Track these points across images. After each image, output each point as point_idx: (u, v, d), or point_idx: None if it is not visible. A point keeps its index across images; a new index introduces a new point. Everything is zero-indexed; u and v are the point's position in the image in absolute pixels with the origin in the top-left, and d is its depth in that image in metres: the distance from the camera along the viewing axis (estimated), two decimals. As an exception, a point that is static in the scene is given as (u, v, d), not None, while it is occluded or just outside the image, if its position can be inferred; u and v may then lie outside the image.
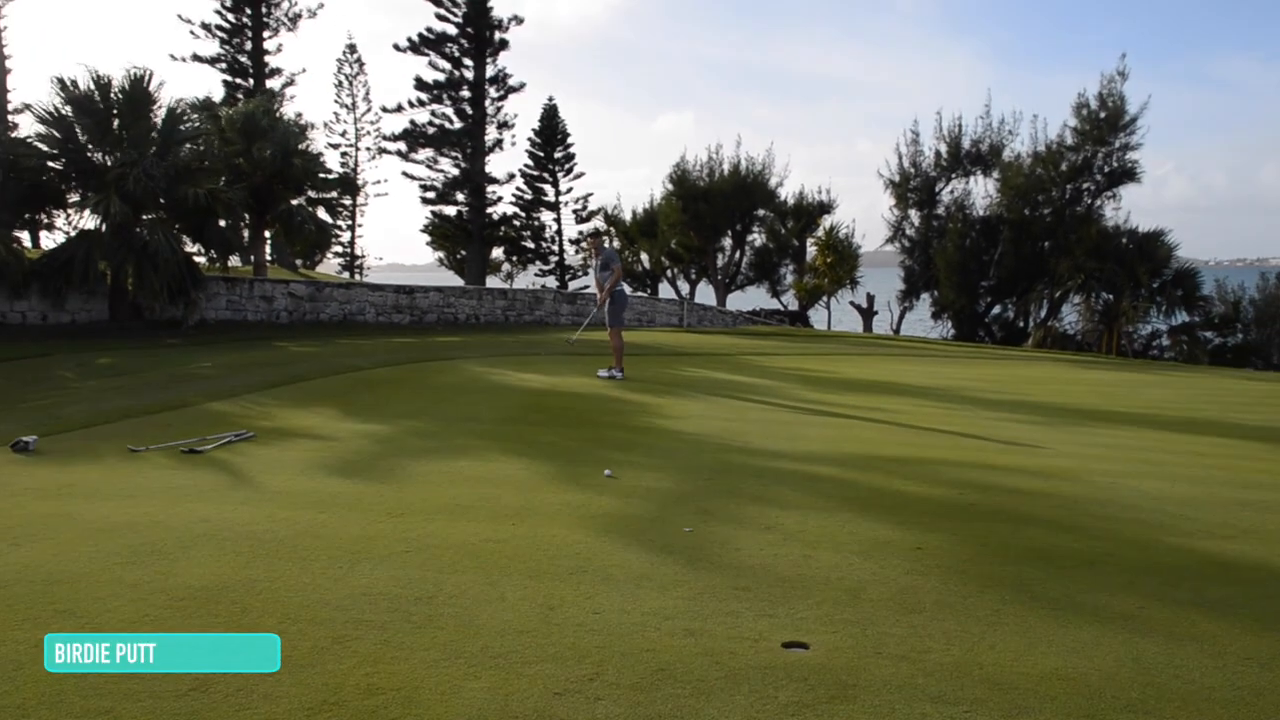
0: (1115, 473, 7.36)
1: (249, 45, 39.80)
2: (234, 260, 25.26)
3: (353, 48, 53.19)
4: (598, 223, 44.93)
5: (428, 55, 39.24)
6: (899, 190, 37.99)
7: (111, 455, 7.31)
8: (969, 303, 36.42)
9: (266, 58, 40.19)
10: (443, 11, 38.69)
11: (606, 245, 14.44)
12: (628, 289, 14.23)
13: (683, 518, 5.56)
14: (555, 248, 46.19)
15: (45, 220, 22.05)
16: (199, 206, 19.85)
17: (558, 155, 45.86)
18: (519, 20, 39.30)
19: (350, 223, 51.91)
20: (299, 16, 40.32)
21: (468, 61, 39.39)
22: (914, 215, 38.14)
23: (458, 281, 40.37)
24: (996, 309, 37.31)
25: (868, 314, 38.97)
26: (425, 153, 40.48)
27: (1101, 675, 3.48)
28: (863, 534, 5.31)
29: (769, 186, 40.54)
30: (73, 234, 20.49)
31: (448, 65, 39.45)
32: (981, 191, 44.72)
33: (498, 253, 45.21)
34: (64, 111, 19.56)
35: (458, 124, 39.86)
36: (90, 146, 20.00)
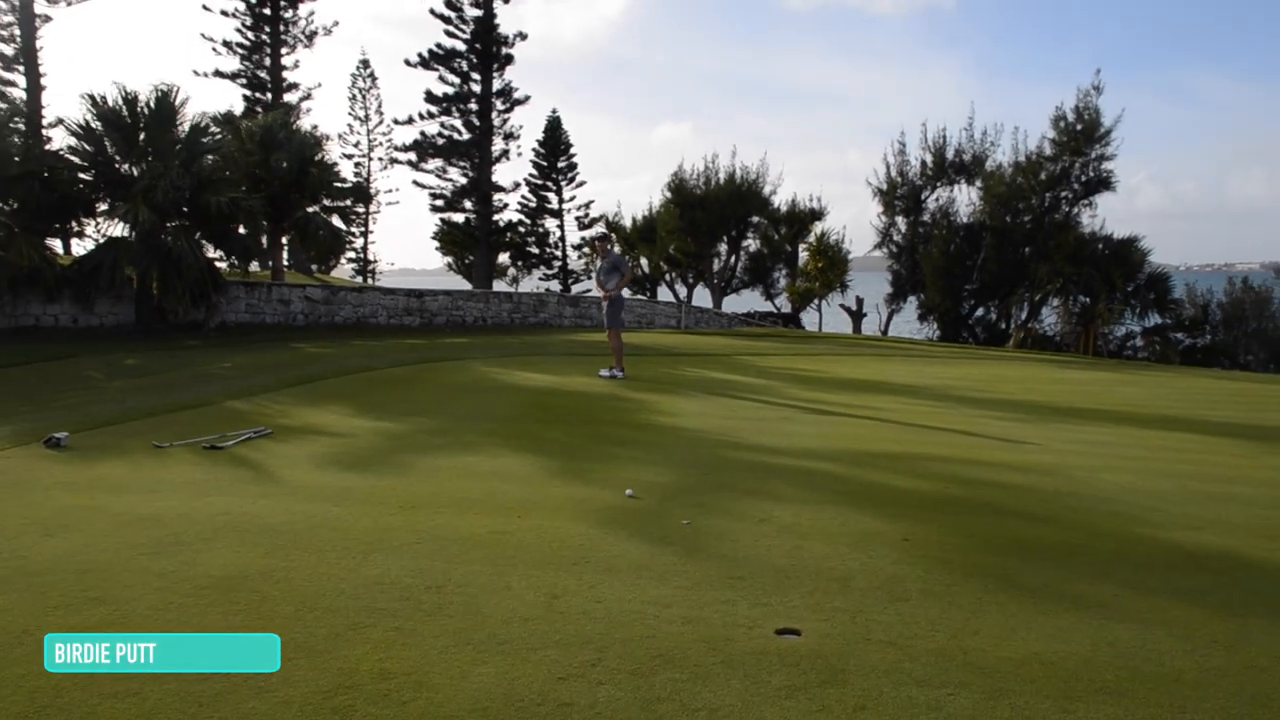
0: (1092, 467, 7.37)
1: (268, 61, 39.80)
2: (253, 265, 25.23)
3: (366, 63, 53.07)
4: (600, 229, 44.91)
5: (437, 70, 39.24)
6: (887, 198, 37.99)
7: (137, 451, 7.31)
8: (953, 305, 36.42)
9: (284, 73, 40.22)
10: (451, 29, 38.69)
11: (614, 250, 14.41)
12: (627, 292, 14.20)
13: (680, 511, 5.56)
14: (559, 253, 46.23)
15: (76, 228, 22.06)
16: (220, 214, 19.84)
17: (561, 165, 45.90)
18: (524, 36, 39.29)
19: (363, 229, 51.96)
20: (315, 34, 40.38)
21: (475, 76, 39.36)
22: (901, 222, 38.13)
23: (465, 285, 40.31)
24: (980, 311, 37.29)
25: (857, 316, 38.95)
26: (435, 163, 40.49)
27: (1078, 659, 3.48)
28: (853, 526, 5.31)
29: (763, 194, 40.53)
30: (101, 241, 20.50)
31: (456, 79, 39.44)
32: (965, 199, 44.70)
33: (504, 258, 45.17)
34: (94, 126, 19.56)
35: (466, 135, 39.83)
36: (118, 158, 20.00)
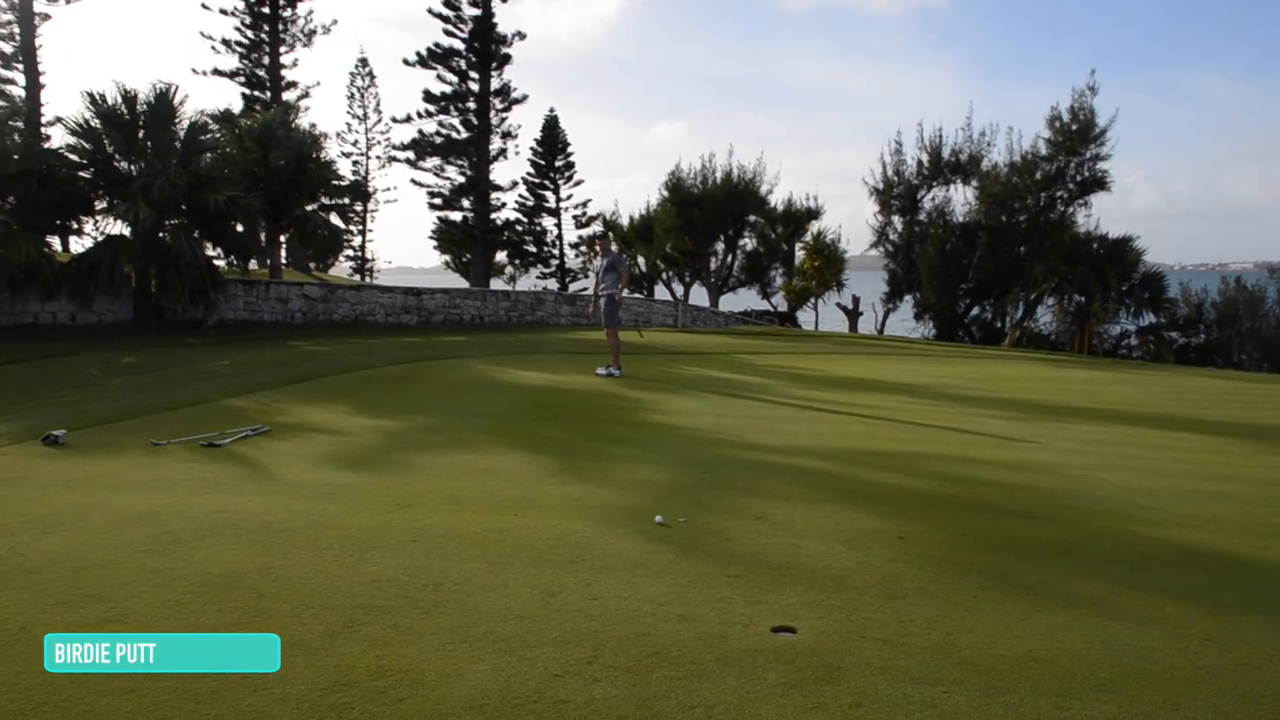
0: (1087, 466, 7.38)
1: (266, 60, 39.73)
2: (251, 264, 25.17)
3: (364, 62, 52.79)
4: (597, 228, 44.86)
5: (436, 69, 39.17)
6: (883, 197, 37.96)
7: (135, 449, 7.30)
8: (949, 304, 36.41)
9: (283, 71, 40.15)
10: (450, 28, 38.61)
11: (613, 248, 14.43)
12: (626, 292, 14.21)
13: (677, 509, 5.55)
14: (556, 251, 46.16)
15: (75, 226, 21.99)
16: (219, 212, 19.77)
17: (558, 164, 45.82)
18: (522, 36, 39.21)
19: (361, 227, 51.76)
20: (314, 32, 40.32)
21: (473, 75, 39.29)
22: (897, 221, 38.10)
23: (463, 284, 40.26)
24: (975, 310, 37.29)
25: (853, 315, 38.94)
26: (433, 161, 40.44)
27: (1072, 657, 3.49)
28: (848, 524, 5.31)
29: (760, 193, 40.46)
30: (100, 239, 20.45)
31: (454, 78, 39.37)
32: (961, 199, 44.75)
33: (501, 256, 45.10)
34: (93, 124, 19.48)
35: (464, 134, 39.76)
36: (117, 157, 19.92)
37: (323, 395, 10.68)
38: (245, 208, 20.75)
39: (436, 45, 38.78)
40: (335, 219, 28.42)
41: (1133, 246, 33.78)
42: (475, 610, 3.83)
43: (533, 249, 45.58)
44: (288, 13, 39.54)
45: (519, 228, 44.35)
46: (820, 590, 4.17)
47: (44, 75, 30.79)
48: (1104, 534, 5.28)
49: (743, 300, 43.97)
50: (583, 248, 45.23)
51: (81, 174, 19.98)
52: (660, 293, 43.84)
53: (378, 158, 51.86)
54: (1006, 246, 34.65)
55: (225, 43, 38.93)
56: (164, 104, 19.97)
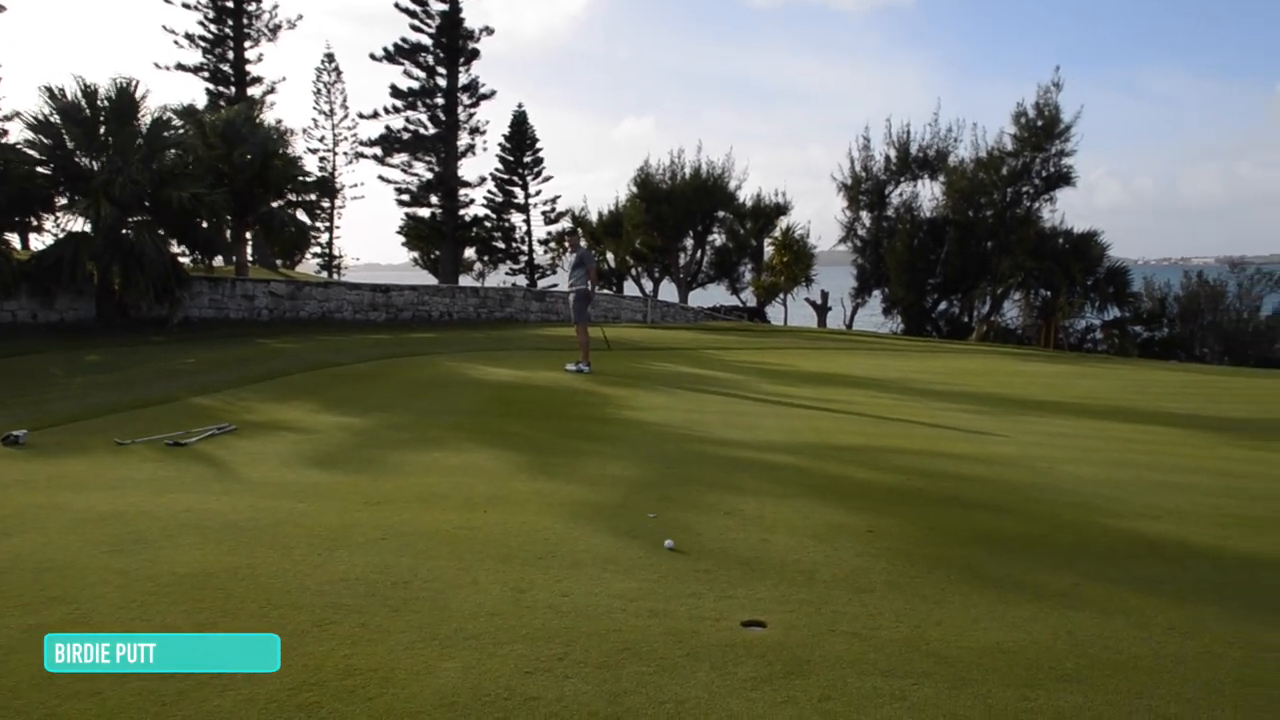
0: (1053, 459, 7.46)
1: (231, 55, 39.30)
2: (217, 260, 24.89)
3: (330, 57, 52.24)
4: (566, 224, 44.75)
5: (403, 64, 38.98)
6: (851, 193, 38.18)
7: (99, 448, 7.20)
8: (917, 299, 36.70)
9: (248, 66, 39.73)
10: (417, 23, 38.45)
11: (581, 244, 14.41)
12: (595, 288, 14.19)
13: (647, 504, 5.56)
14: (525, 248, 45.98)
15: (34, 223, 21.62)
16: (183, 209, 19.54)
17: (527, 159, 45.63)
18: (490, 31, 39.10)
19: (328, 224, 51.26)
20: (279, 27, 39.96)
21: (441, 70, 39.13)
22: (865, 217, 38.34)
23: (432, 280, 40.04)
24: (943, 305, 37.61)
25: (822, 310, 39.12)
26: (400, 157, 40.28)
27: (1039, 648, 3.53)
28: (817, 518, 5.34)
29: (728, 189, 40.50)
30: (61, 236, 20.14)
31: (422, 74, 39.20)
32: (928, 194, 45.03)
33: (470, 253, 44.88)
34: (52, 119, 19.17)
35: (431, 130, 39.60)
36: (78, 152, 19.61)
37: (290, 393, 10.58)
38: (210, 204, 20.53)
39: (404, 40, 38.65)
40: (302, 215, 28.14)
41: (1097, 241, 34.20)
42: (445, 608, 3.81)
43: (501, 245, 45.37)
44: (252, 7, 39.20)
45: (488, 224, 44.14)
46: (789, 584, 4.19)
47: (0, 68, 30.23)
48: (1070, 526, 5.35)
49: (712, 296, 44.02)
50: (551, 244, 45.11)
51: (40, 170, 19.64)
52: (629, 289, 43.81)
53: (345, 154, 51.38)
54: (973, 241, 34.96)
55: (189, 37, 38.51)
56: (126, 99, 19.68)
